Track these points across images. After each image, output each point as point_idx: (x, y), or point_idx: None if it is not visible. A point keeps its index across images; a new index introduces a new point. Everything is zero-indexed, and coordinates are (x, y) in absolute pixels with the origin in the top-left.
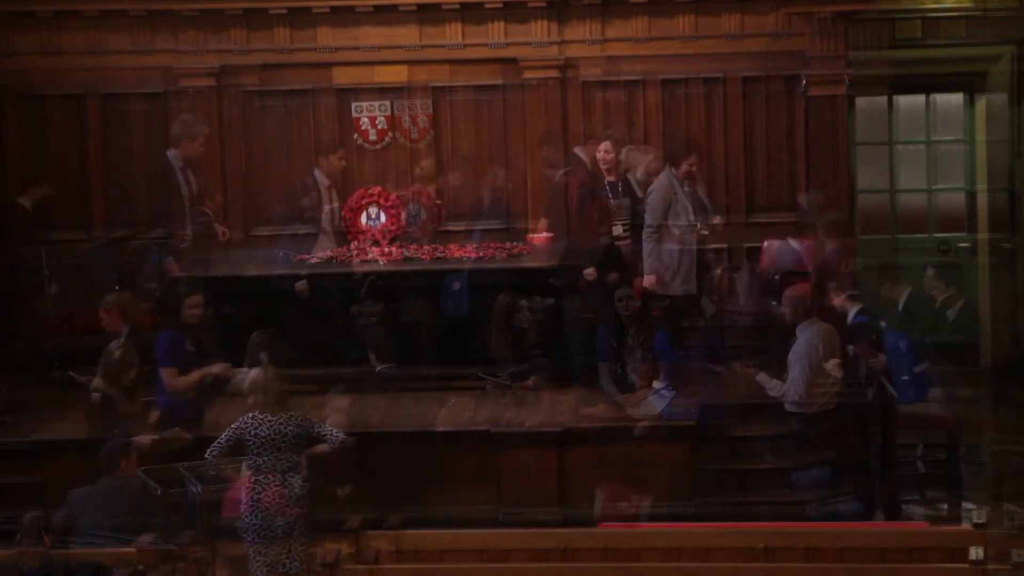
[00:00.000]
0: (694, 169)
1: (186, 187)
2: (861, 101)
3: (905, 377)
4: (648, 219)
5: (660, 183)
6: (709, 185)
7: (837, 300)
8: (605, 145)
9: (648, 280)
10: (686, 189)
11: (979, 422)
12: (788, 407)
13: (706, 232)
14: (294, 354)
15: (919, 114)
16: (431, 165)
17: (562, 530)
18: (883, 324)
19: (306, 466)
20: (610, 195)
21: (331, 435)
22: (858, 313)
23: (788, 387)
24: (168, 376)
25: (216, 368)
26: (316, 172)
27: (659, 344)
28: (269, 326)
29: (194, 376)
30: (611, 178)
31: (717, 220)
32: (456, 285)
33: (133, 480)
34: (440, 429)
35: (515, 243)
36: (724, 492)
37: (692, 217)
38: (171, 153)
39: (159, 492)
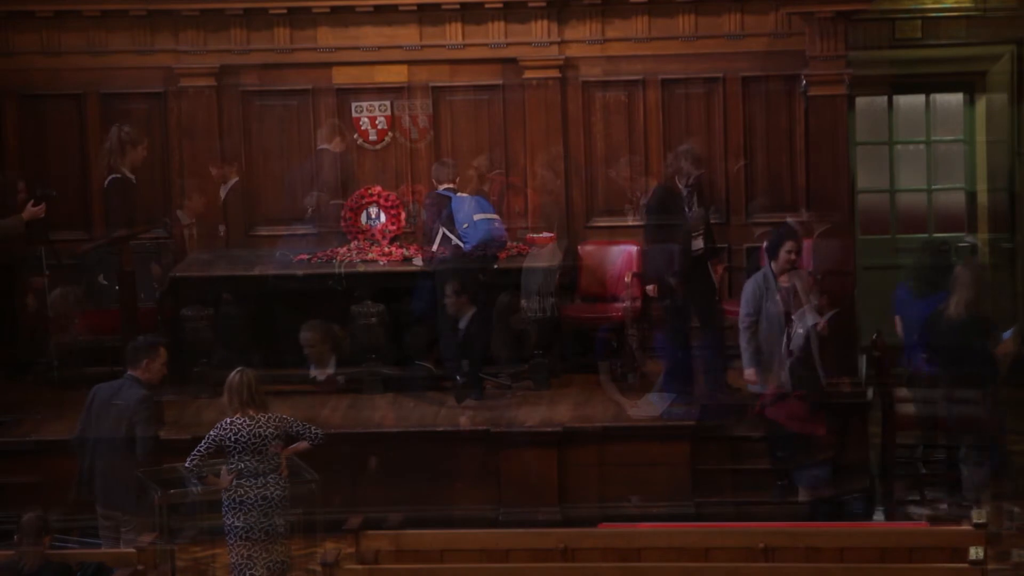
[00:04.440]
0: (793, 257)
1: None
2: (861, 101)
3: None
4: (742, 310)
5: (754, 279)
6: (708, 186)
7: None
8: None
9: (748, 374)
10: (784, 286)
11: (979, 422)
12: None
13: (802, 331)
14: (292, 354)
15: (919, 114)
16: (483, 163)
17: (562, 530)
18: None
19: (285, 465)
20: (685, 206)
21: (309, 432)
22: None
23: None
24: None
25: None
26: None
27: (659, 344)
28: (268, 326)
29: None
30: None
31: (822, 324)
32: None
33: (146, 389)
34: (440, 429)
35: (515, 243)
36: (724, 492)
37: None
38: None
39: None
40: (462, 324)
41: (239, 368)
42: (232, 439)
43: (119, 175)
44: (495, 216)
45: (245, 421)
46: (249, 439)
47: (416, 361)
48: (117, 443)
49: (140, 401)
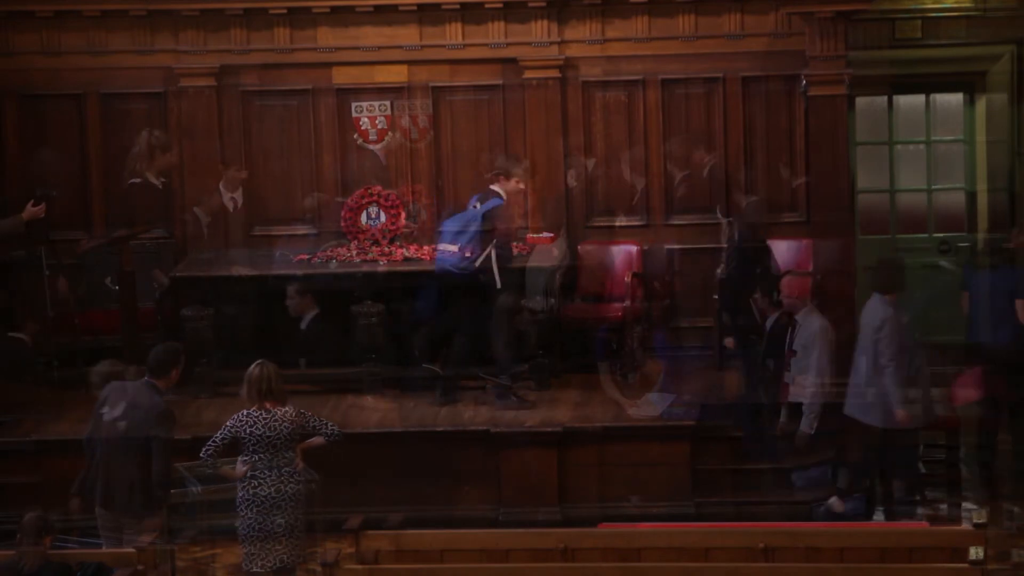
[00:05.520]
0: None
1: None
2: (861, 101)
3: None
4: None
5: (884, 313)
6: (710, 185)
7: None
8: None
9: (901, 415)
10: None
11: (979, 422)
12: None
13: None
14: (292, 354)
15: (919, 114)
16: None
17: (562, 530)
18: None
19: (300, 459)
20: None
21: (326, 429)
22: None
23: (811, 380)
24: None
25: None
26: None
27: (659, 344)
28: (269, 326)
29: None
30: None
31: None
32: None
33: (162, 399)
34: (440, 429)
35: (515, 243)
36: (724, 492)
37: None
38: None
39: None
40: (303, 324)
41: (260, 361)
42: (247, 432)
43: (140, 180)
44: (452, 247)
45: (261, 415)
46: (264, 433)
47: (423, 364)
48: (130, 448)
49: (163, 413)
